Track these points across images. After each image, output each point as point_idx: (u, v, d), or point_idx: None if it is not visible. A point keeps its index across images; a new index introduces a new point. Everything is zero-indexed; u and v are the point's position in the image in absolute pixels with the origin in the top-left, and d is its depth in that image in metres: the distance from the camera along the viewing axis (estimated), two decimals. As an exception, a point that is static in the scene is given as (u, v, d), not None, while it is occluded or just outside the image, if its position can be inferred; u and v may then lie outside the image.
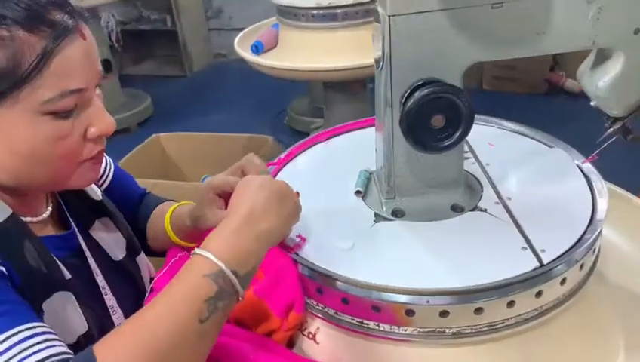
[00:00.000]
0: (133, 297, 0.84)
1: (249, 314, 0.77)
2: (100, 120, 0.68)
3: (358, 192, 0.86)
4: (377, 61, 0.77)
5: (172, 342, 0.55)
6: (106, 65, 3.37)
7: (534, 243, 0.72)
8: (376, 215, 0.82)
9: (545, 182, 0.85)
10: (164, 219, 0.92)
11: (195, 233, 0.86)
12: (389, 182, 0.82)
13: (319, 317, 0.75)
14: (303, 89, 3.27)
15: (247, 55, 2.05)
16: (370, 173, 0.90)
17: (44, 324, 0.59)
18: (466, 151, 0.93)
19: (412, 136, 0.73)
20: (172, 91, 3.84)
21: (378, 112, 0.82)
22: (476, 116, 1.02)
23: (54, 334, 0.59)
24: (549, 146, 0.94)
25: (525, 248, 0.72)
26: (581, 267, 0.72)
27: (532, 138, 0.97)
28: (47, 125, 0.64)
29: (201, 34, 4.12)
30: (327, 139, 1.03)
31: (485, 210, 0.81)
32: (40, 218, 0.74)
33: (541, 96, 3.32)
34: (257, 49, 2.09)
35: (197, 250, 0.63)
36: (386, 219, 0.81)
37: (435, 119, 0.72)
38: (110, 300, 0.79)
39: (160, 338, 0.55)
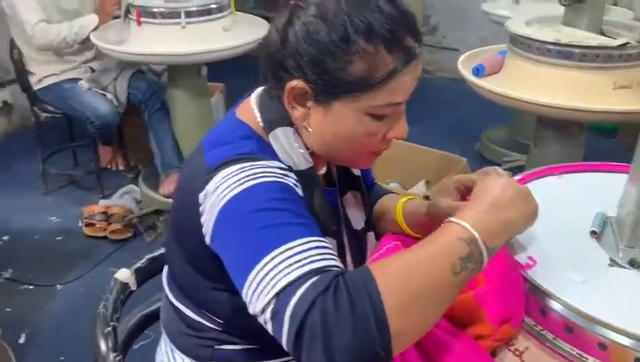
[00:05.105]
0: (358, 266, 0.96)
1: (464, 314, 0.82)
2: (400, 126, 0.81)
3: (593, 232, 0.87)
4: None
5: (429, 284, 0.64)
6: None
7: None
8: (611, 259, 0.82)
9: None
10: (394, 208, 1.02)
11: (425, 222, 0.94)
12: (633, 230, 0.81)
13: (533, 338, 0.77)
14: (502, 119, 3.22)
15: (468, 75, 2.09)
16: (607, 218, 0.90)
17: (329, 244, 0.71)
18: None
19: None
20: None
21: (636, 161, 0.82)
22: None
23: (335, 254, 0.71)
24: None
25: None
26: None
27: None
28: (365, 123, 0.77)
29: (412, 47, 4.24)
30: (560, 173, 1.04)
31: None
32: (320, 173, 0.90)
33: None
34: (479, 71, 2.13)
35: (452, 219, 0.71)
36: (620, 266, 0.81)
37: None
38: (348, 259, 0.92)
39: (421, 277, 0.64)
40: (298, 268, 0.65)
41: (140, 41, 2.35)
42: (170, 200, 2.53)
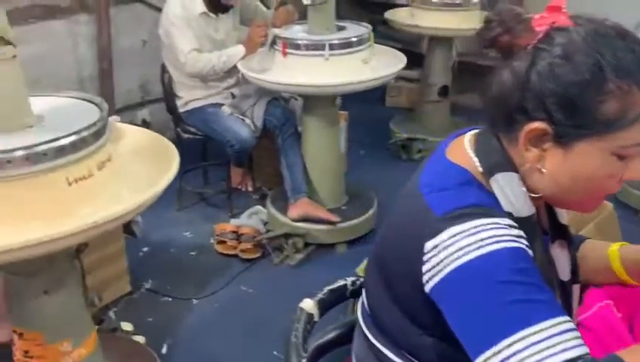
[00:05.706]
0: None
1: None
2: (638, 168, 0.78)
3: None
4: None
5: None
6: (444, 90, 3.64)
7: None
8: None
9: None
10: (606, 255, 0.98)
11: None
12: None
13: None
14: (639, 160, 3.03)
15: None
16: None
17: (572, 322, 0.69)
18: None
19: None
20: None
21: None
22: None
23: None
24: None
25: None
26: None
27: None
28: (609, 163, 0.76)
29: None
30: None
31: None
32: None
33: None
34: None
35: None
36: None
37: None
38: None
39: None
40: (551, 355, 0.64)
41: (285, 71, 2.46)
42: (298, 225, 2.60)
